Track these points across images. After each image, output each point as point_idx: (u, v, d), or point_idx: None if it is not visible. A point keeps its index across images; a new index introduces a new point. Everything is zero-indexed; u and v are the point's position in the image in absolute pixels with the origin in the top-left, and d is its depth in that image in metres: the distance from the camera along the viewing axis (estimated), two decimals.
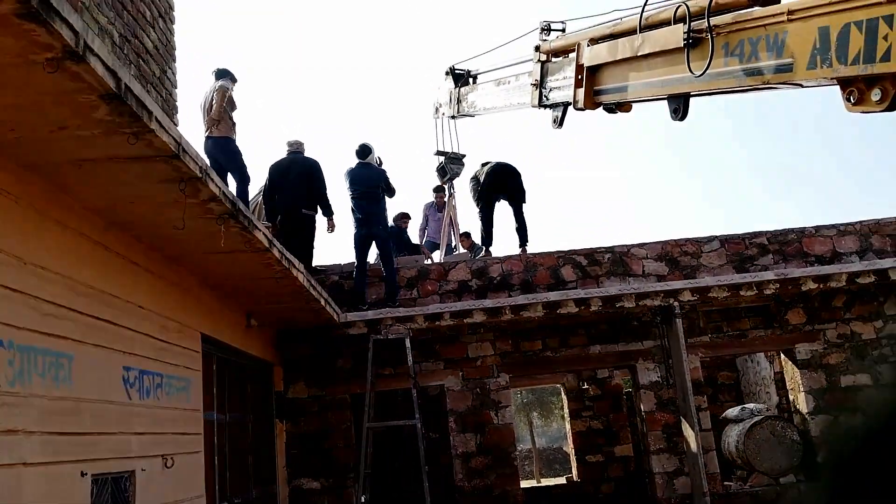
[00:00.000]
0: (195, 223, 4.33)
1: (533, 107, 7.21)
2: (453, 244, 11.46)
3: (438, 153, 10.22)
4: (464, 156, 10.31)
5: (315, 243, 9.15)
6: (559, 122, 6.83)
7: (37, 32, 2.37)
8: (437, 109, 9.93)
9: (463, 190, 10.86)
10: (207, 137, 8.22)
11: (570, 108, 6.57)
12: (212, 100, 8.06)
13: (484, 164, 10.15)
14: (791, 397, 9.70)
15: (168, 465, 5.06)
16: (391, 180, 9.41)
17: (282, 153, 9.20)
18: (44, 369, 3.69)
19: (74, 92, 2.76)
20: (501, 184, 9.85)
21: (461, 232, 11.45)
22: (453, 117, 9.66)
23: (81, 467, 3.98)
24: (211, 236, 4.63)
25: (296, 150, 9.10)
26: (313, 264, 9.03)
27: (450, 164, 10.28)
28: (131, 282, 4.77)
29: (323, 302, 7.19)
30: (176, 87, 6.75)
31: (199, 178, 3.72)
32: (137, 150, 3.30)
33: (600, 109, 6.34)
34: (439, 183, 10.82)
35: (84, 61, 2.53)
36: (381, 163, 9.60)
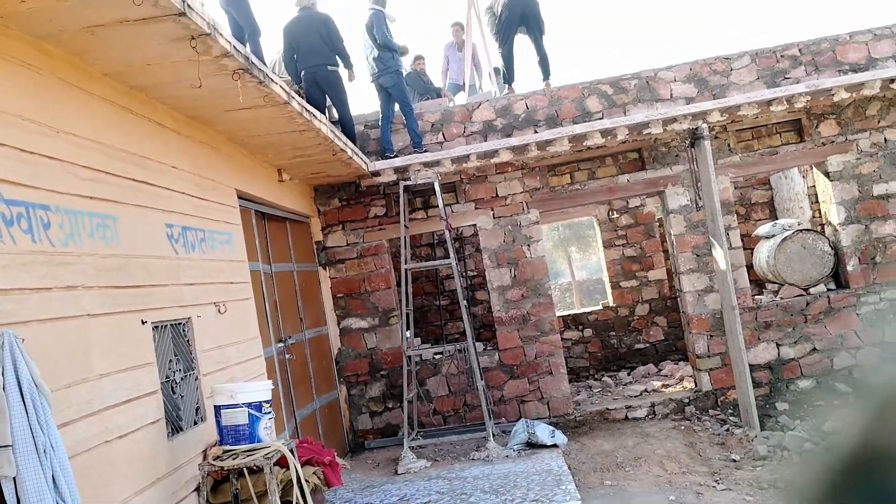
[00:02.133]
0: (212, 80, 4.44)
1: None
2: (477, 84, 11.35)
3: None
4: None
5: (347, 96, 9.05)
6: None
7: None
8: None
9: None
10: None
11: None
12: None
13: None
14: (823, 210, 9.76)
15: (221, 311, 5.48)
16: (379, 26, 8.85)
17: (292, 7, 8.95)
18: (91, 230, 3.98)
19: None
20: (519, 16, 9.56)
21: (492, 68, 11.25)
22: None
23: (141, 316, 4.38)
24: (230, 93, 4.74)
25: (306, 5, 8.84)
26: (352, 117, 8.99)
27: None
28: (161, 143, 4.97)
29: (350, 152, 7.34)
30: None
31: (208, 35, 3.79)
32: (144, 11, 3.38)
33: None
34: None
35: None
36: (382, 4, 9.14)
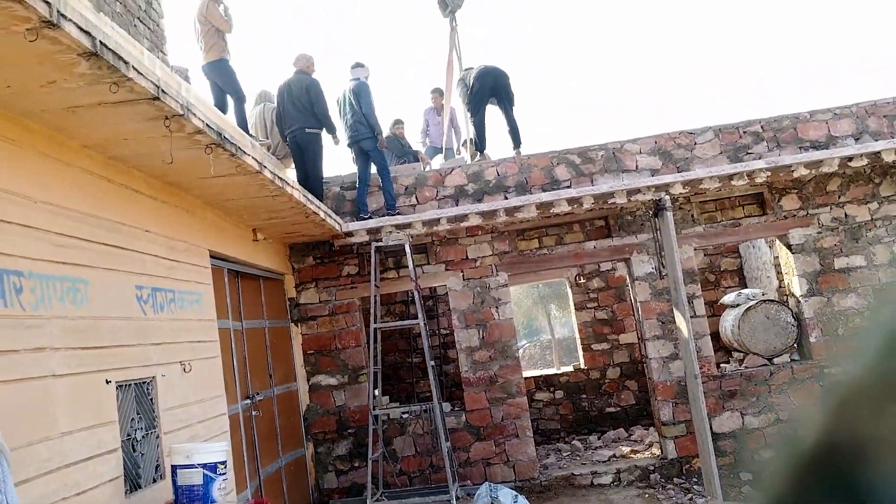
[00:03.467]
0: (185, 153, 4.69)
1: None
2: (454, 147, 11.72)
3: None
4: None
5: (322, 159, 9.37)
6: None
7: (14, 8, 2.68)
8: None
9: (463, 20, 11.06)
10: (204, 65, 8.46)
11: None
12: (199, 30, 8.25)
13: (468, 70, 10.28)
14: (786, 281, 10.05)
15: (186, 370, 5.63)
16: (367, 98, 9.32)
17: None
18: (62, 294, 4.17)
19: (55, 53, 3.08)
20: (489, 88, 9.99)
21: (464, 140, 11.65)
22: None
23: (105, 376, 4.53)
24: (203, 163, 4.99)
25: (298, 68, 9.24)
26: (323, 178, 9.34)
27: None
28: (135, 208, 5.19)
29: (322, 214, 7.60)
30: (163, 17, 6.95)
31: (181, 115, 4.05)
32: (121, 96, 3.64)
33: None
34: (441, 15, 11.03)
35: (59, 27, 2.84)
36: (367, 76, 9.66)
